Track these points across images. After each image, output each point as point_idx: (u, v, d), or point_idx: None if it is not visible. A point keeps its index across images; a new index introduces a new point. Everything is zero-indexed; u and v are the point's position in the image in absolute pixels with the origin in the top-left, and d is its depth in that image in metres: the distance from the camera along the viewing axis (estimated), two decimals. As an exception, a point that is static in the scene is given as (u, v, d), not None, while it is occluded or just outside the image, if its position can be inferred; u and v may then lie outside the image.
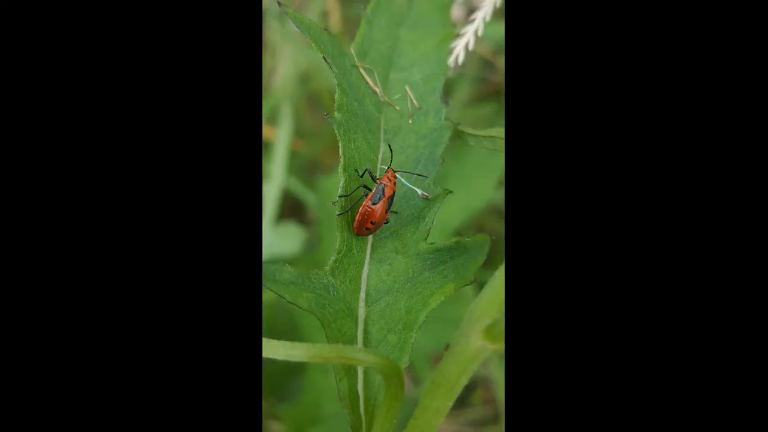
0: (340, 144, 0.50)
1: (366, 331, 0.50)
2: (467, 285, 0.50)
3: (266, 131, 1.20)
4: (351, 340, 0.49)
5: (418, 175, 0.53)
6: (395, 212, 0.53)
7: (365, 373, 0.49)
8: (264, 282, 0.45)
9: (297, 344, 0.42)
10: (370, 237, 0.52)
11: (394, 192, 0.52)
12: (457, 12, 1.03)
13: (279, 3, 0.52)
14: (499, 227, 1.24)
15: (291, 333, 0.99)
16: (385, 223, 0.52)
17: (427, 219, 0.52)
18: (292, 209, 1.28)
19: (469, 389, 1.21)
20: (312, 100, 1.33)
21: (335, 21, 1.26)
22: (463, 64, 0.64)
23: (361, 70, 0.55)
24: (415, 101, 0.55)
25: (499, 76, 1.31)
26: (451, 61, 0.61)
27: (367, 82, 0.55)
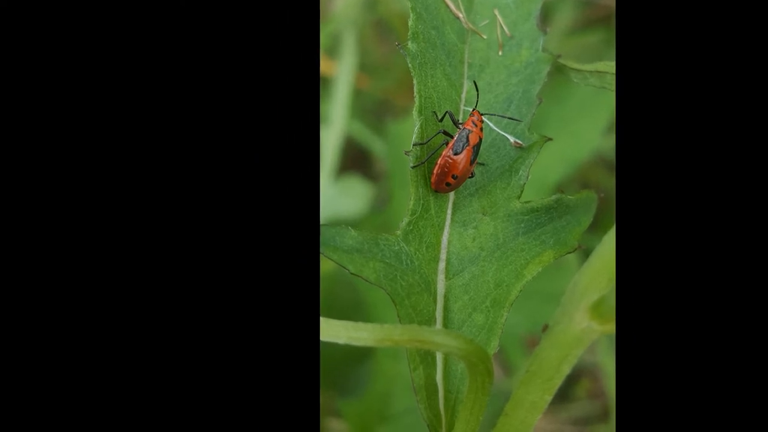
0: (414, 81, 0.50)
1: (446, 309, 0.50)
2: (570, 253, 0.50)
3: (324, 65, 1.20)
4: (428, 320, 0.49)
5: (509, 119, 0.53)
6: (482, 164, 0.53)
7: (445, 360, 0.50)
8: (322, 249, 0.46)
9: (362, 325, 0.42)
10: (452, 194, 0.52)
11: (480, 139, 0.52)
12: None
13: None
14: (609, 182, 1.23)
15: (355, 311, 1.00)
16: (469, 177, 0.52)
17: (520, 172, 0.52)
18: (355, 160, 1.29)
19: (572, 380, 1.21)
20: (380, 27, 1.33)
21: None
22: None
23: (440, -10, 0.55)
24: (506, 28, 0.55)
25: (610, -3, 1.30)
26: (550, -23, 0.60)
27: (447, 5, 0.54)
